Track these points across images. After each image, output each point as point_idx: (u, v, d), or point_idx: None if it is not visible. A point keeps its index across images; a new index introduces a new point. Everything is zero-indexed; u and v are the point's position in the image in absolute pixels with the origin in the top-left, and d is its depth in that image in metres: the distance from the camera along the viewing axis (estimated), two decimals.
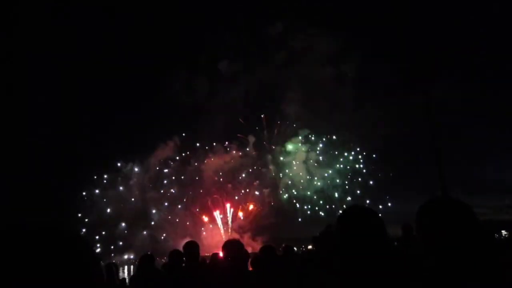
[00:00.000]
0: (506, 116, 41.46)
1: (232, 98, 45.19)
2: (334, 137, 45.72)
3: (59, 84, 43.13)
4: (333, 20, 44.25)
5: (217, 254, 7.52)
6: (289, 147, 45.59)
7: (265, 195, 43.96)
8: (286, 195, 44.81)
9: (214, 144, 44.97)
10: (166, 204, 43.23)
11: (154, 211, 42.61)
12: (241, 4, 48.87)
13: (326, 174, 44.84)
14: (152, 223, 42.05)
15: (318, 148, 45.99)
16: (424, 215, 2.04)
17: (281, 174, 45.15)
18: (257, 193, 43.55)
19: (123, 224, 41.79)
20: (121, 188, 42.94)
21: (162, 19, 49.22)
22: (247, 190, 43.84)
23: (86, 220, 40.68)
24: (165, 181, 44.20)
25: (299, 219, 44.09)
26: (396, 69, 42.54)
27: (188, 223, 42.26)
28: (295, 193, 44.70)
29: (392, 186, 42.71)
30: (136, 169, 43.94)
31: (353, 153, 45.81)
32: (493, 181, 45.04)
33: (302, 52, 44.36)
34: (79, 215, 40.53)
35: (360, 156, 45.51)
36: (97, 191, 42.21)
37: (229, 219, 42.66)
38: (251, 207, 43.18)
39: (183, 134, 44.47)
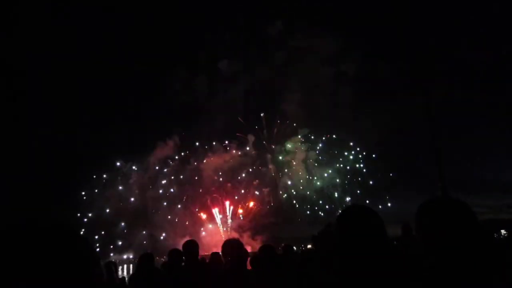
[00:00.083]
0: (507, 116, 41.51)
1: (232, 98, 45.22)
2: (334, 136, 45.74)
3: (59, 84, 43.10)
4: (333, 20, 44.28)
5: (216, 253, 7.52)
6: (289, 146, 45.61)
7: (265, 195, 43.98)
8: (286, 194, 44.85)
9: (214, 143, 45.00)
10: (165, 203, 43.24)
11: (153, 210, 42.63)
12: (241, 4, 48.88)
13: (325, 174, 44.85)
14: (152, 222, 42.06)
15: (318, 148, 46.01)
16: (423, 214, 2.04)
17: (280, 174, 45.18)
18: (256, 192, 43.57)
19: (122, 224, 41.80)
20: (120, 187, 42.93)
21: (162, 19, 49.21)
22: (247, 189, 43.86)
23: (85, 220, 40.69)
24: (164, 181, 44.20)
25: (299, 219, 44.12)
26: (396, 69, 42.58)
27: (187, 223, 42.27)
28: (294, 192, 44.74)
29: (392, 186, 42.73)
30: (135, 168, 43.92)
31: (353, 152, 45.83)
32: (493, 180, 45.05)
33: (302, 51, 44.36)
34: (78, 214, 40.53)
35: (360, 156, 45.54)
36: (96, 190, 42.21)
37: (229, 216, 42.69)
38: (251, 204, 43.19)
39: (183, 134, 44.49)
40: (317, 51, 43.14)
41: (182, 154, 44.91)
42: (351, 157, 45.67)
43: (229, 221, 42.50)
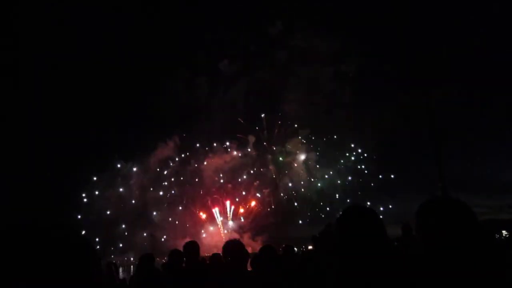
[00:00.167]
0: (507, 116, 41.51)
1: (232, 98, 45.22)
2: (335, 136, 45.73)
3: (59, 85, 43.08)
4: (334, 20, 44.24)
5: (217, 254, 7.51)
6: (289, 147, 45.62)
7: (265, 195, 43.98)
8: (286, 195, 44.85)
9: (215, 144, 44.99)
10: (166, 204, 43.25)
11: (154, 212, 42.63)
12: (241, 4, 48.85)
13: (326, 176, 44.84)
14: (152, 223, 42.06)
15: (318, 149, 46.01)
16: (423, 214, 2.05)
17: (281, 174, 45.19)
18: (258, 195, 43.57)
19: (123, 226, 41.82)
20: (121, 189, 42.94)
21: (162, 19, 49.24)
22: (247, 190, 43.87)
23: (86, 221, 40.69)
24: (165, 181, 44.21)
25: (299, 220, 44.11)
26: (396, 69, 42.60)
27: (188, 223, 42.28)
28: (294, 193, 44.74)
29: (392, 186, 42.72)
30: (135, 169, 43.92)
31: (354, 153, 45.83)
32: (493, 180, 45.04)
33: (302, 52, 44.37)
34: (79, 216, 40.51)
35: (361, 157, 45.53)
36: (96, 192, 42.21)
37: (229, 217, 42.68)
38: (253, 203, 43.18)
39: (183, 134, 44.49)
40: (318, 51, 43.17)
41: (182, 155, 44.91)
42: (352, 157, 45.68)
43: (230, 223, 42.50)
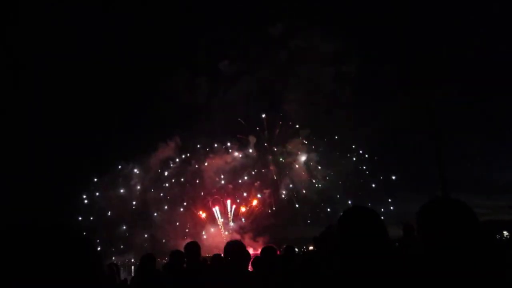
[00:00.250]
0: (508, 116, 41.50)
1: (233, 99, 45.18)
2: (335, 137, 45.69)
3: (59, 85, 43.07)
4: (334, 20, 44.24)
5: (218, 254, 7.52)
6: (290, 147, 45.62)
7: (266, 196, 43.96)
8: (287, 196, 44.83)
9: (216, 145, 44.98)
10: (167, 204, 43.25)
11: (155, 213, 42.64)
12: (242, 4, 48.88)
13: (327, 178, 44.82)
14: (153, 224, 42.07)
15: (320, 149, 45.97)
16: (425, 215, 2.05)
17: (282, 175, 45.17)
18: (259, 196, 43.55)
19: (124, 227, 41.83)
20: (122, 190, 42.94)
21: (163, 20, 49.24)
22: (248, 191, 43.85)
23: (87, 222, 40.69)
24: (166, 182, 44.20)
25: (300, 220, 44.09)
26: (397, 70, 42.56)
27: (189, 224, 42.27)
28: (295, 194, 44.72)
29: (393, 187, 42.70)
30: (136, 171, 43.92)
31: (354, 154, 45.80)
32: (494, 181, 45.01)
33: (303, 52, 44.35)
34: (80, 218, 40.51)
35: (362, 158, 45.50)
36: (97, 193, 42.21)
37: (230, 217, 42.67)
38: (254, 202, 43.16)
39: (184, 135, 44.48)
40: (318, 52, 43.15)
41: (183, 156, 44.90)
42: (354, 158, 45.64)
43: (231, 223, 42.48)
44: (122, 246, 41.47)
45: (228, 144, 45.11)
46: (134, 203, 42.56)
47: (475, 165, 45.14)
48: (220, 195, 43.18)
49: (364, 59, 43.14)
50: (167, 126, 45.82)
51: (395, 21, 41.99)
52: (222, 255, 5.47)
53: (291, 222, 43.87)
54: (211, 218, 42.84)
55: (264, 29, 45.77)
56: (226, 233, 41.03)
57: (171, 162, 44.71)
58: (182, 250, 5.33)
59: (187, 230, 41.65)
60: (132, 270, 34.69)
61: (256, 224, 42.39)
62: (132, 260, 39.83)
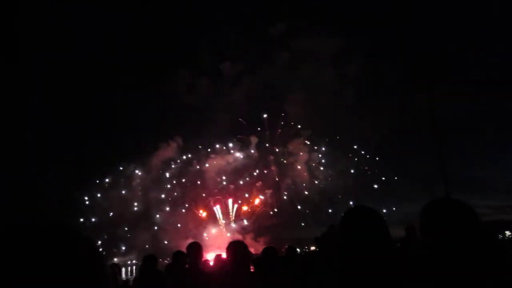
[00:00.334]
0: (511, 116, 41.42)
1: (234, 99, 45.20)
2: (337, 137, 45.67)
3: (59, 86, 43.05)
4: (336, 20, 44.22)
5: (220, 255, 7.54)
6: (291, 148, 45.63)
7: (268, 196, 43.96)
8: (289, 196, 44.84)
9: (218, 146, 45.01)
10: (168, 205, 43.31)
11: (157, 214, 42.70)
12: (243, 5, 48.91)
13: (329, 178, 44.80)
14: (155, 224, 42.12)
15: (323, 149, 45.95)
16: (427, 215, 2.06)
17: (283, 175, 45.17)
18: (261, 197, 43.58)
19: (126, 228, 41.89)
20: (123, 192, 43.01)
21: (163, 20, 49.21)
22: (250, 191, 43.87)
23: (88, 224, 40.78)
24: (167, 183, 44.26)
25: (302, 221, 44.08)
26: (399, 70, 42.54)
27: (190, 225, 42.31)
28: (297, 194, 44.71)
29: (395, 188, 42.63)
30: (138, 172, 43.99)
31: (357, 154, 45.77)
32: (496, 181, 44.90)
33: (305, 52, 44.36)
34: (81, 220, 40.57)
35: (364, 158, 45.47)
36: (99, 195, 42.29)
37: (232, 217, 42.70)
38: (257, 201, 43.18)
39: (185, 135, 44.53)
40: (320, 52, 43.16)
41: (184, 157, 44.96)
42: (356, 159, 45.61)
43: (233, 225, 42.51)
44: (124, 248, 41.53)
45: (230, 144, 45.18)
46: (136, 204, 42.63)
47: (478, 165, 45.07)
48: (221, 195, 43.22)
49: (366, 60, 43.15)
50: (168, 127, 45.80)
51: (396, 21, 42.00)
52: (224, 255, 5.48)
53: (293, 222, 43.87)
54: (213, 218, 42.88)
55: (266, 30, 45.85)
56: (228, 234, 41.05)
57: (172, 162, 44.79)
58: (184, 250, 5.34)
59: (189, 228, 41.70)
60: (134, 270, 34.75)
61: (257, 225, 42.41)
62: (134, 261, 39.88)
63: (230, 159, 44.20)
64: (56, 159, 41.26)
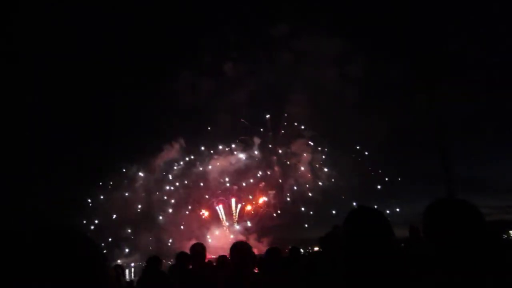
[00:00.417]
0: None
1: (237, 100, 45.20)
2: (340, 137, 45.60)
3: (60, 86, 43.03)
4: (337, 20, 44.13)
5: (224, 256, 7.53)
6: (294, 148, 45.60)
7: (271, 197, 43.96)
8: (292, 197, 44.80)
9: (220, 147, 45.06)
10: (171, 206, 43.37)
11: (160, 216, 42.77)
12: (244, 5, 48.90)
13: (333, 180, 44.72)
14: (158, 226, 42.19)
15: (326, 150, 45.90)
16: (431, 215, 2.05)
17: (286, 176, 45.15)
18: (265, 198, 43.58)
19: (129, 230, 41.97)
20: (126, 194, 43.09)
21: (164, 20, 49.21)
22: (253, 192, 43.89)
23: (91, 225, 40.87)
24: (170, 184, 44.32)
25: (305, 223, 44.01)
26: (401, 70, 42.37)
27: (194, 226, 42.35)
28: (300, 195, 44.66)
29: (398, 188, 42.51)
30: (141, 174, 44.08)
31: (360, 155, 45.67)
32: (500, 181, 44.74)
33: (307, 53, 44.34)
34: (84, 221, 40.65)
35: (367, 159, 45.36)
36: (102, 197, 42.39)
37: (235, 217, 42.72)
38: (261, 200, 43.19)
39: (188, 137, 44.59)
40: (322, 52, 43.11)
41: (186, 159, 45.01)
42: (358, 159, 45.52)
43: (236, 227, 42.54)
44: (127, 249, 41.61)
45: (233, 145, 45.21)
46: (139, 206, 42.70)
47: (482, 164, 44.90)
48: (225, 196, 43.26)
49: (368, 60, 43.04)
50: (171, 128, 45.79)
51: (397, 21, 41.87)
52: (227, 256, 5.48)
53: (296, 223, 43.83)
54: (216, 219, 42.92)
55: (268, 30, 45.85)
56: (232, 236, 41.04)
57: (175, 164, 44.85)
58: (188, 251, 5.34)
59: (193, 229, 41.73)
60: (137, 272, 34.76)
61: (261, 225, 42.42)
62: (138, 263, 39.93)
63: (233, 160, 44.24)
64: (57, 160, 41.29)
